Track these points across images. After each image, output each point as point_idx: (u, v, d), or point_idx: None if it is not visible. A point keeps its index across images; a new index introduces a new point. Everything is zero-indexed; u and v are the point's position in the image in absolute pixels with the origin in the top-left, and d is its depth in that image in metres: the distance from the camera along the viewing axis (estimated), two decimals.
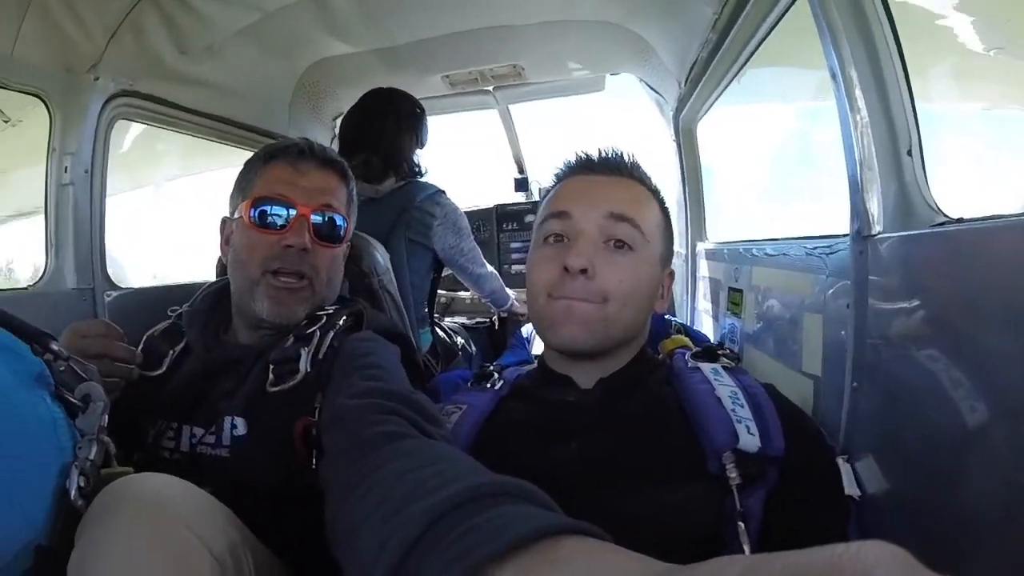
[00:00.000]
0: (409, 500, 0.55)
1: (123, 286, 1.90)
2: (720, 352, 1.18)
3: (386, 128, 2.10)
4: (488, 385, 1.20)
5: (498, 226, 3.26)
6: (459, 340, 2.43)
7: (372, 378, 0.97)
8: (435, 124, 2.34)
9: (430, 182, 2.16)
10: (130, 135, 2.12)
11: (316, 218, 1.21)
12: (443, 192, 2.13)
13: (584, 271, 1.01)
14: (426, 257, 2.12)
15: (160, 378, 1.19)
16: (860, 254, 1.04)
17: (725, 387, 1.02)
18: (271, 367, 1.11)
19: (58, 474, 0.68)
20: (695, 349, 1.23)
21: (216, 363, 1.19)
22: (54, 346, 0.80)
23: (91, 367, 0.84)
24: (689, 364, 1.13)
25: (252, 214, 1.20)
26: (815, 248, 1.25)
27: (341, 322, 1.19)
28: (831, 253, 1.18)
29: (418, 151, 2.20)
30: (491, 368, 1.25)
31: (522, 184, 3.43)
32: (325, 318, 1.19)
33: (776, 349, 1.47)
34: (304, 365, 1.10)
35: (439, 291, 2.54)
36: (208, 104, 2.14)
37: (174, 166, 2.77)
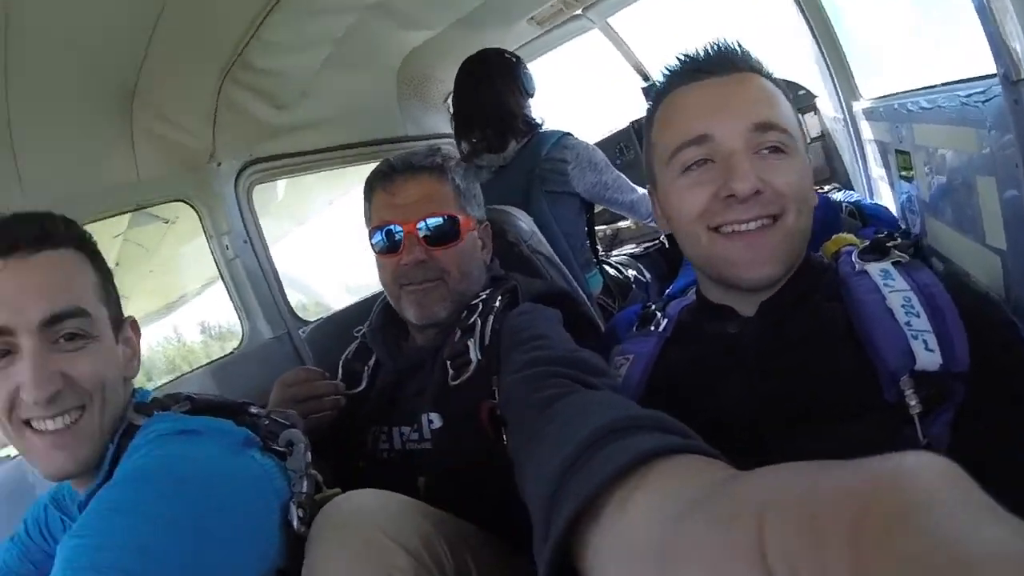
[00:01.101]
0: (555, 451, 0.60)
1: (310, 319, 2.18)
2: (891, 244, 1.01)
3: (488, 95, 2.09)
4: (652, 328, 1.14)
5: (640, 142, 3.02)
6: (630, 273, 2.35)
7: (533, 349, 1.01)
8: (541, 66, 2.27)
9: (552, 129, 2.13)
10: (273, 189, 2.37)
11: (422, 229, 1.30)
12: (568, 135, 2.10)
13: (757, 192, 0.91)
14: (571, 203, 2.10)
15: (363, 393, 1.39)
16: (1015, 103, 0.87)
17: (897, 293, 0.89)
18: (448, 363, 1.23)
19: (280, 510, 0.88)
20: (862, 244, 1.06)
21: (403, 369, 1.35)
22: (252, 410, 1.02)
23: (291, 413, 1.07)
24: (856, 268, 0.99)
25: (373, 243, 1.36)
26: (969, 96, 1.08)
27: (497, 303, 1.27)
28: (987, 100, 1.01)
29: (529, 102, 2.16)
30: (653, 308, 1.20)
31: (650, 91, 3.15)
32: (481, 305, 1.28)
33: (955, 219, 1.29)
34: (474, 355, 1.20)
35: (598, 227, 2.52)
36: (325, 139, 2.29)
37: (321, 197, 3.04)
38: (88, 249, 0.96)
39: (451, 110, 2.40)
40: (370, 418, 1.35)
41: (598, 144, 2.29)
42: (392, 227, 1.30)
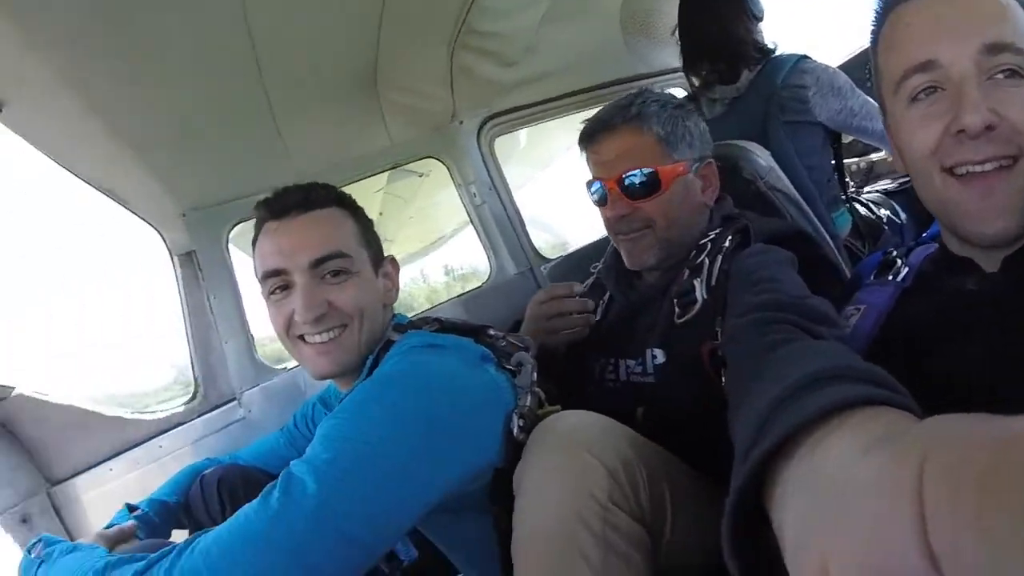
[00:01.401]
0: (767, 391, 0.64)
1: (551, 257, 2.38)
2: None
3: (713, 24, 1.98)
4: (891, 277, 1.05)
5: None
6: (883, 212, 2.09)
7: (762, 292, 0.99)
8: None
9: (788, 53, 1.96)
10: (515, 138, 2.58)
11: (622, 184, 1.32)
12: (805, 57, 1.92)
13: (989, 127, 0.80)
14: (814, 134, 1.91)
15: (596, 325, 1.48)
16: None
17: None
18: (675, 301, 1.28)
19: (505, 419, 1.04)
20: None
21: (633, 305, 1.42)
22: (491, 332, 1.20)
23: (526, 338, 1.23)
24: None
25: (590, 196, 1.43)
26: None
27: (727, 243, 1.27)
28: None
29: (759, 26, 2.01)
30: (895, 255, 1.11)
31: None
32: (710, 244, 1.30)
33: None
34: (700, 294, 1.23)
35: (848, 160, 2.29)
36: (557, 87, 2.42)
37: (560, 142, 3.19)
38: (348, 205, 1.21)
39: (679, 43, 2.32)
40: (600, 349, 1.43)
41: (841, 67, 2.03)
42: (598, 183, 1.36)
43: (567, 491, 0.86)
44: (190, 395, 2.00)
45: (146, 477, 1.82)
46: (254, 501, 0.86)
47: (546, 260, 2.36)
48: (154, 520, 1.37)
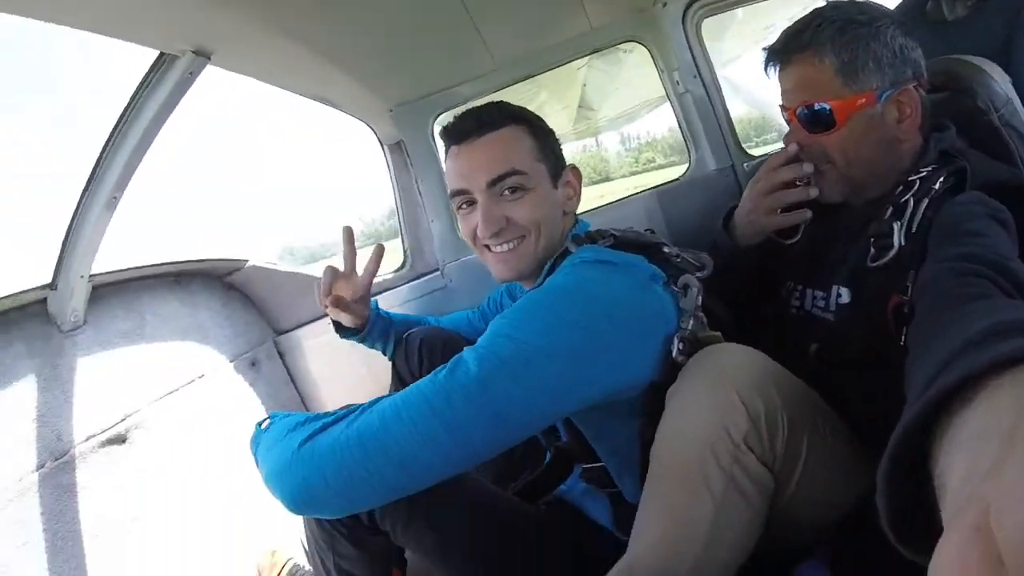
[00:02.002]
0: (952, 339, 0.63)
1: (759, 155, 2.23)
2: None
3: None
4: None
5: None
6: None
7: (965, 245, 0.92)
8: None
9: None
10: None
11: (800, 115, 1.23)
12: None
13: None
14: None
15: (791, 247, 1.41)
16: None
17: None
18: (871, 240, 1.17)
19: (666, 339, 1.08)
20: None
21: (830, 234, 1.32)
22: (665, 249, 1.21)
23: (703, 255, 1.22)
24: None
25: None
26: None
27: (938, 185, 1.13)
28: None
29: None
30: None
31: None
32: (919, 183, 1.15)
33: None
34: (897, 240, 1.11)
35: None
36: None
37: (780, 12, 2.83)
38: (524, 121, 1.25)
39: None
40: (791, 272, 1.37)
41: None
42: (781, 109, 1.28)
43: (706, 423, 0.90)
44: (399, 264, 2.29)
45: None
46: (428, 376, 0.99)
47: (751, 157, 2.22)
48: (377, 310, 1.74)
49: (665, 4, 2.10)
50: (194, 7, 1.26)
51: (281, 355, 2.20)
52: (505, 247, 1.22)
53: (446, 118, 2.17)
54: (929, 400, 0.50)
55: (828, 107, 1.18)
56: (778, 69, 1.26)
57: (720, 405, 0.90)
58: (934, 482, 0.48)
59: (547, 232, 1.22)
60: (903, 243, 1.09)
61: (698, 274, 1.15)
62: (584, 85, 3.58)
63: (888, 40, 1.17)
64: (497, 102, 1.27)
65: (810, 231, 1.37)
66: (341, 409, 1.05)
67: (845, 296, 1.19)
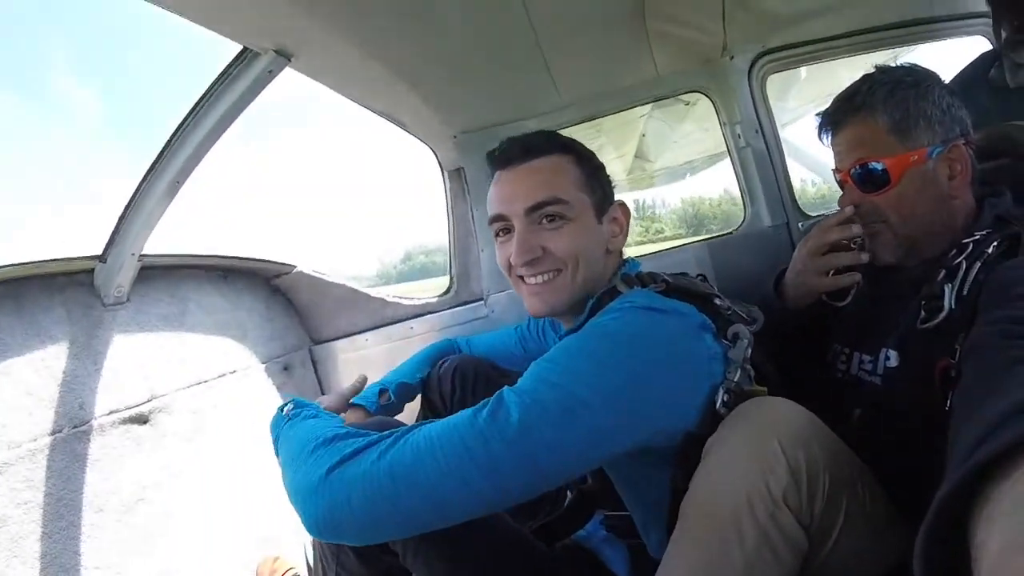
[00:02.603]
0: (1002, 400, 0.62)
1: (815, 214, 2.22)
2: None
3: None
4: None
5: None
6: None
7: (1014, 307, 0.92)
8: None
9: None
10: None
11: (854, 174, 1.24)
12: None
13: None
14: None
15: (841, 309, 1.40)
16: None
17: None
18: (922, 303, 1.17)
19: (710, 389, 1.05)
20: None
21: (881, 297, 1.32)
22: (716, 301, 1.16)
23: (754, 309, 1.20)
24: None
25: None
26: None
27: (991, 249, 1.13)
28: None
29: None
30: None
31: None
32: (972, 246, 1.15)
33: None
34: (948, 302, 1.10)
35: None
36: (843, 24, 2.15)
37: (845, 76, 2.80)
38: (572, 152, 1.24)
39: None
40: (840, 335, 1.37)
41: None
42: (835, 173, 1.30)
43: (746, 475, 0.88)
44: (444, 289, 2.32)
45: (395, 351, 2.19)
46: (469, 410, 0.97)
47: (807, 217, 2.20)
48: (393, 403, 1.66)
49: (732, 57, 2.12)
50: (282, 8, 1.30)
51: (315, 364, 2.23)
52: (540, 279, 1.19)
53: None
54: (970, 469, 0.49)
55: (882, 165, 1.20)
56: (832, 134, 1.29)
57: (761, 457, 0.88)
58: (972, 552, 0.48)
59: (586, 267, 1.18)
60: (954, 306, 1.08)
61: (749, 328, 1.12)
62: (643, 135, 3.58)
63: (936, 99, 1.20)
64: (547, 131, 1.26)
65: (861, 295, 1.35)
66: (372, 429, 1.04)
67: (894, 359, 1.18)
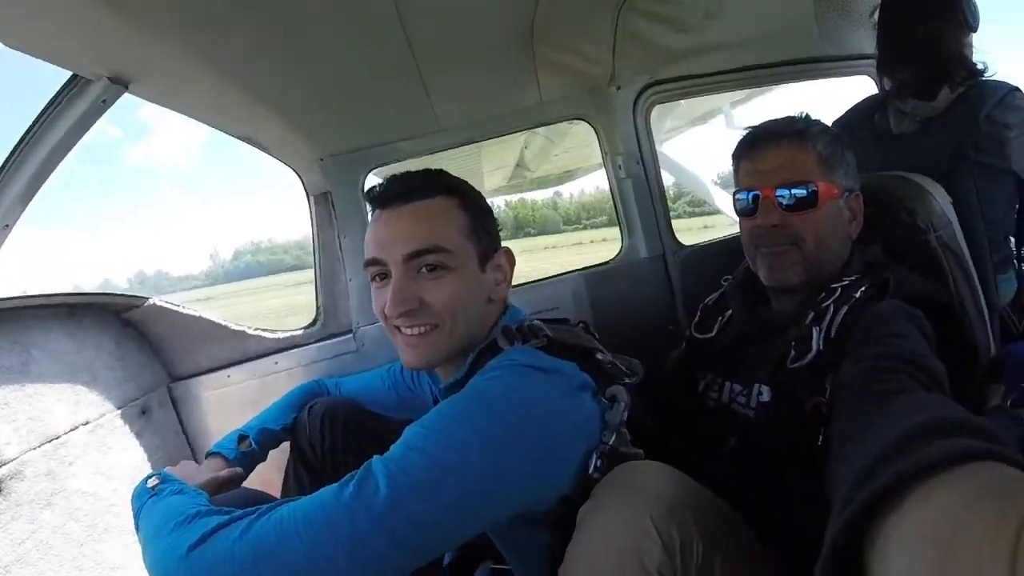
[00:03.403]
0: (879, 440, 0.66)
1: (689, 244, 2.23)
2: None
3: (922, 23, 1.66)
4: None
5: None
6: None
7: (884, 344, 0.99)
8: None
9: (998, 80, 1.64)
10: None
11: (779, 194, 1.28)
12: (1017, 91, 1.59)
13: None
14: (1004, 183, 1.64)
15: (711, 340, 1.46)
16: None
17: None
18: (792, 343, 1.23)
19: (585, 453, 1.01)
20: None
21: (752, 332, 1.37)
22: (599, 356, 1.13)
23: (635, 363, 1.18)
24: None
25: (736, 205, 1.40)
26: None
27: (859, 294, 1.21)
28: None
29: (971, 39, 1.69)
30: None
31: None
32: (840, 291, 1.23)
33: None
34: (816, 344, 1.17)
35: None
36: (730, 61, 2.17)
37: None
38: (459, 194, 1.15)
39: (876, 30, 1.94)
40: (710, 366, 1.41)
41: None
42: (752, 192, 1.33)
43: (620, 551, 0.86)
44: (310, 321, 2.13)
45: (260, 388, 1.99)
46: (336, 484, 0.90)
47: (683, 247, 2.21)
48: (255, 451, 1.52)
49: (619, 87, 2.08)
50: (114, 31, 1.15)
51: (175, 403, 1.98)
52: (415, 331, 1.11)
53: (378, 175, 2.04)
54: (858, 507, 0.54)
55: (812, 187, 1.27)
56: (762, 151, 1.33)
57: (634, 531, 0.86)
58: None
59: (465, 321, 1.12)
60: (822, 347, 1.15)
61: (628, 380, 1.11)
62: (525, 147, 3.52)
63: (849, 154, 1.35)
64: (434, 170, 1.18)
65: (731, 326, 1.43)
66: (238, 504, 0.96)
67: (766, 394, 1.23)
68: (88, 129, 1.34)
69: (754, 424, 1.24)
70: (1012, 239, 1.71)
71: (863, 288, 1.21)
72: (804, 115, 1.35)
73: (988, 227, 1.61)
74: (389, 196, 1.11)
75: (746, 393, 1.29)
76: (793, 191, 1.28)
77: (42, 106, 1.34)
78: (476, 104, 2.04)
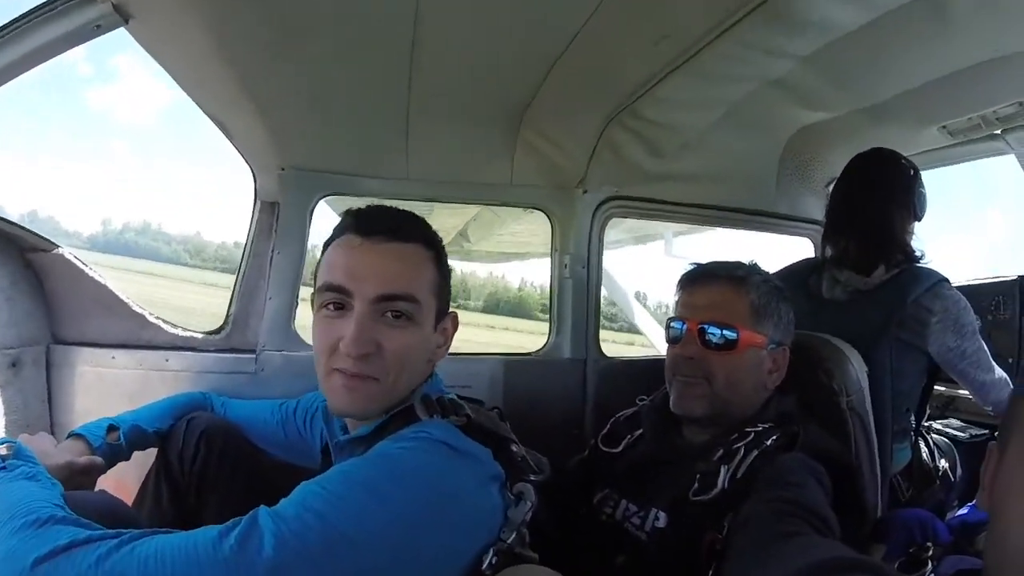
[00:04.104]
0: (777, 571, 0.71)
1: (611, 356, 2.27)
2: None
3: (871, 205, 1.81)
4: None
5: (1023, 305, 2.38)
6: (942, 463, 1.92)
7: (785, 489, 1.04)
8: (932, 178, 1.95)
9: (929, 268, 1.79)
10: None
11: (705, 330, 1.37)
12: (944, 282, 1.74)
13: None
14: (918, 361, 1.76)
15: (615, 455, 1.47)
16: None
17: None
18: (697, 476, 1.25)
19: (482, 548, 0.96)
20: None
21: (657, 457, 1.40)
22: (513, 448, 1.09)
23: (543, 460, 1.14)
24: None
25: (667, 334, 1.48)
26: None
27: (770, 442, 1.26)
28: None
29: (914, 226, 1.85)
30: (927, 555, 1.14)
31: None
32: (753, 435, 1.28)
33: None
34: (721, 482, 1.21)
35: (937, 387, 2.08)
36: (691, 194, 2.29)
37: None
38: (436, 248, 1.13)
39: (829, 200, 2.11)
40: (609, 481, 1.43)
41: (971, 290, 1.93)
42: (680, 322, 1.41)
43: None
44: (215, 328, 2.00)
45: (142, 380, 1.85)
46: (215, 529, 0.80)
47: (605, 357, 2.24)
48: (121, 447, 1.39)
49: (586, 191, 2.13)
50: None
51: (49, 366, 1.80)
52: (362, 369, 1.03)
53: (338, 202, 2.00)
54: None
55: (736, 332, 1.35)
56: (699, 286, 1.42)
57: None
58: None
59: (407, 376, 1.08)
60: (727, 486, 1.19)
61: (534, 477, 1.07)
62: (473, 219, 3.59)
63: (785, 309, 1.43)
64: (418, 216, 1.15)
65: (639, 446, 1.46)
66: (92, 511, 0.90)
67: (662, 520, 1.26)
68: (73, 46, 1.30)
69: (645, 547, 1.26)
70: (912, 414, 1.82)
71: (774, 437, 1.27)
72: (752, 263, 1.46)
73: (895, 398, 1.72)
74: (374, 227, 1.07)
75: (641, 515, 1.31)
76: (716, 330, 1.36)
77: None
78: (449, 166, 2.06)
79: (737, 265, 1.44)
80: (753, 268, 1.45)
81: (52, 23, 1.26)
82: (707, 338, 1.36)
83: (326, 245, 1.12)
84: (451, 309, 1.20)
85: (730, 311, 1.38)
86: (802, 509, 0.96)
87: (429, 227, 1.14)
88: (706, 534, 1.14)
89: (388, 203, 1.88)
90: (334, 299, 1.05)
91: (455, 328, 1.20)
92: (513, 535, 0.98)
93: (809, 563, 0.65)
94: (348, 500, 0.85)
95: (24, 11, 1.26)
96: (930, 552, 1.10)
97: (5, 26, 1.25)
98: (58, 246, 1.73)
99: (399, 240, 1.06)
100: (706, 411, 1.36)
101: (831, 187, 2.15)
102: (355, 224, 1.08)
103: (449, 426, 1.03)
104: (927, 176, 1.93)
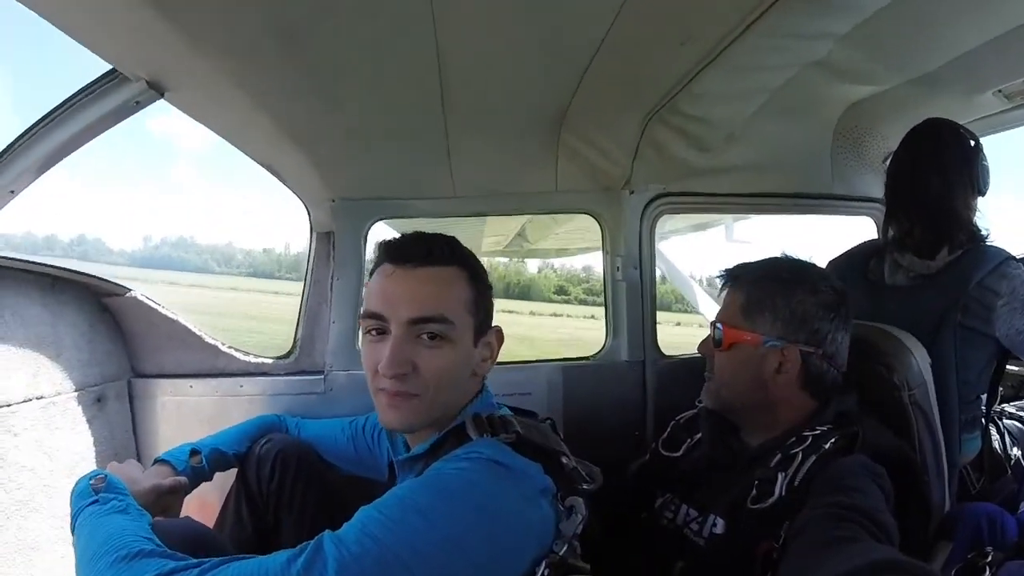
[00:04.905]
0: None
1: (670, 354, 2.25)
2: None
3: (932, 183, 1.70)
4: None
5: None
6: (1014, 452, 1.80)
7: (843, 494, 1.04)
8: (990, 144, 1.82)
9: (995, 246, 1.69)
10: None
11: (713, 329, 1.44)
12: (1012, 260, 1.64)
13: None
14: (985, 347, 1.66)
15: (675, 459, 1.49)
16: None
17: None
18: (755, 483, 1.24)
19: (533, 561, 0.99)
20: None
21: (715, 461, 1.40)
22: (563, 460, 1.12)
23: (595, 470, 1.16)
24: None
25: None
26: None
27: (828, 445, 1.23)
28: None
29: (978, 202, 1.74)
30: (987, 560, 1.06)
31: None
32: (811, 439, 1.26)
33: None
34: (779, 489, 1.20)
35: (1010, 366, 1.94)
36: (743, 185, 2.24)
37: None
38: (469, 268, 1.17)
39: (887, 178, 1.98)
40: (670, 485, 1.43)
41: None
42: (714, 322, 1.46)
43: None
44: (284, 353, 2.11)
45: (219, 406, 1.97)
46: (284, 555, 0.88)
47: (664, 357, 2.23)
48: (204, 469, 1.50)
49: (632, 192, 2.13)
50: (162, 39, 1.16)
51: (132, 399, 1.95)
52: (400, 390, 1.09)
53: (386, 227, 2.06)
54: None
55: (722, 328, 1.40)
56: (722, 290, 1.48)
57: None
58: None
59: (448, 391, 1.13)
60: (784, 494, 1.18)
61: (586, 486, 1.10)
62: (528, 220, 3.62)
63: (793, 301, 1.35)
64: (449, 237, 1.19)
65: (695, 451, 1.47)
66: (176, 536, 0.99)
67: (720, 527, 1.26)
68: (116, 123, 1.37)
69: (703, 554, 1.26)
70: (983, 398, 1.72)
71: (833, 440, 1.24)
72: (747, 264, 1.47)
73: (961, 387, 1.63)
74: (406, 254, 1.12)
75: (700, 520, 1.31)
76: (715, 328, 1.42)
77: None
78: (494, 178, 2.09)
79: (742, 267, 1.46)
80: (746, 266, 1.46)
81: (92, 105, 1.35)
82: (715, 339, 1.42)
83: (369, 274, 1.19)
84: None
85: (727, 310, 1.43)
86: (858, 514, 0.95)
87: (461, 247, 1.18)
88: (762, 543, 1.13)
89: (438, 222, 1.95)
90: (375, 325, 1.11)
91: (500, 341, 1.24)
92: (565, 547, 1.01)
93: (862, 564, 0.67)
94: (402, 524, 0.90)
95: (64, 98, 1.35)
96: (989, 559, 1.04)
97: (48, 114, 1.36)
98: (130, 289, 1.86)
99: (429, 264, 1.11)
100: (714, 404, 1.42)
101: (887, 162, 2.03)
102: (388, 254, 1.14)
103: (498, 444, 1.06)
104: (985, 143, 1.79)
